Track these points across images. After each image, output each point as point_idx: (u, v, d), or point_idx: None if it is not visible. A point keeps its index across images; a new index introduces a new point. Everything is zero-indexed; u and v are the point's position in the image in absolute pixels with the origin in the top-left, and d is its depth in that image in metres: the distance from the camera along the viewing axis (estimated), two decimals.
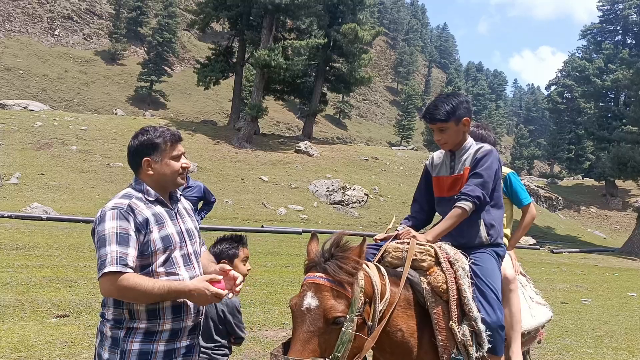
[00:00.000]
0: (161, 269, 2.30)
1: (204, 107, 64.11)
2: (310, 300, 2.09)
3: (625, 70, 33.60)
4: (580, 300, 11.41)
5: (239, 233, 3.33)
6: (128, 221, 2.23)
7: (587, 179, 54.62)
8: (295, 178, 28.92)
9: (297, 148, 34.02)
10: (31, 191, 20.89)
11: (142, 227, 2.27)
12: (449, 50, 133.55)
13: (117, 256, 2.14)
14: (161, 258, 2.31)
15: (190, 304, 2.37)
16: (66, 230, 13.78)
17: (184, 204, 2.62)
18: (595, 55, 54.57)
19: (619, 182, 46.31)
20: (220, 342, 3.11)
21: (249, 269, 3.26)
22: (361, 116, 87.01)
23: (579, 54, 59.38)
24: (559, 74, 65.43)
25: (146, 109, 59.26)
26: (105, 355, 2.25)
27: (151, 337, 2.26)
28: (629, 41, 53.59)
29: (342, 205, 26.27)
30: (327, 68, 39.69)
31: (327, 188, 27.12)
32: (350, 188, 27.39)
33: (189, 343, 2.40)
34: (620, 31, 54.75)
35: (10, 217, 15.23)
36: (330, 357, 2.05)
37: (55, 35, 66.77)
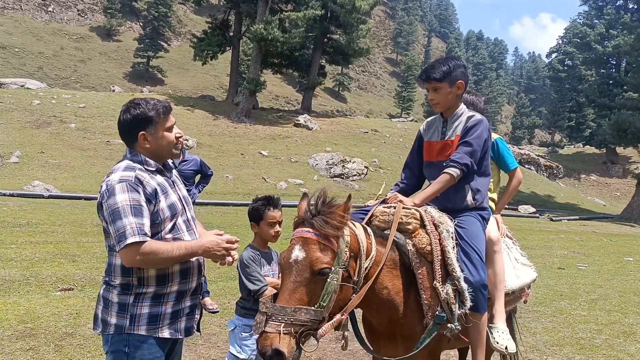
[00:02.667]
0: (169, 236, 2.39)
1: (202, 82, 63.68)
2: (297, 253, 2.20)
3: (626, 36, 33.19)
4: (577, 266, 11.59)
5: (273, 195, 3.42)
6: (138, 192, 2.29)
7: (588, 147, 54.52)
8: (294, 152, 28.94)
9: (296, 122, 33.93)
10: (32, 170, 20.97)
11: (152, 197, 2.34)
12: (448, 19, 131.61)
13: (136, 227, 2.20)
14: (168, 225, 2.39)
15: (195, 266, 2.48)
16: (68, 207, 13.92)
17: (175, 172, 2.69)
18: (596, 21, 53.79)
19: (619, 149, 46.29)
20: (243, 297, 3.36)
21: (277, 232, 3.34)
22: (360, 88, 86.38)
23: (580, 20, 58.51)
24: (560, 41, 64.62)
25: (144, 85, 58.90)
26: (113, 320, 2.33)
27: (159, 300, 2.36)
28: (630, 5, 52.60)
29: (342, 178, 26.35)
30: (325, 40, 39.20)
31: (327, 161, 27.16)
32: (350, 161, 27.42)
33: (192, 303, 2.51)
34: None
35: (12, 195, 15.36)
36: (316, 306, 2.16)
37: (50, 11, 65.89)
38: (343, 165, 26.94)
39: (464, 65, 3.03)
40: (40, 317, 5.23)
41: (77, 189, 18.26)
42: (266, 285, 3.23)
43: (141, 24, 67.59)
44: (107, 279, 2.43)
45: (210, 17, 40.11)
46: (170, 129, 2.48)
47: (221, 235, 2.48)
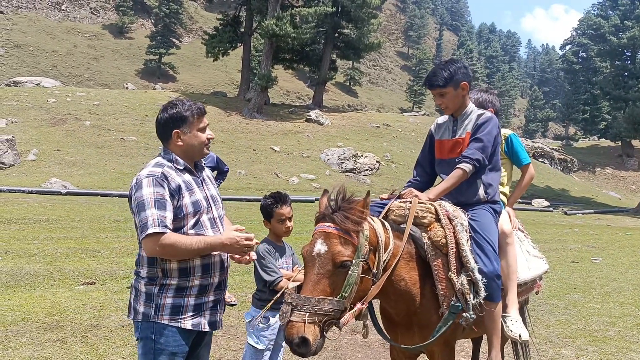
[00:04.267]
0: (191, 231, 2.52)
1: (214, 79, 64.01)
2: (320, 247, 2.32)
3: None
4: (591, 260, 11.57)
5: (281, 191, 3.56)
6: (163, 187, 2.43)
7: (603, 139, 53.93)
8: (306, 147, 29.06)
9: (307, 117, 34.03)
10: (48, 167, 21.34)
11: (175, 193, 2.47)
12: (460, 12, 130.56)
13: (157, 219, 2.35)
14: (191, 221, 2.53)
15: (217, 262, 2.60)
16: (85, 203, 14.19)
17: (207, 172, 2.83)
18: (611, 12, 52.97)
19: (635, 142, 45.80)
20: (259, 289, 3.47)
21: (287, 227, 3.46)
22: (372, 83, 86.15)
23: (594, 11, 57.71)
24: (574, 33, 63.81)
25: (156, 82, 59.36)
26: (141, 309, 2.49)
27: (182, 292, 2.50)
28: None
29: (354, 173, 26.42)
30: (336, 35, 39.17)
31: (339, 156, 27.24)
32: (362, 156, 27.47)
33: (215, 298, 2.64)
34: None
35: (31, 192, 15.69)
36: (338, 297, 2.29)
37: (63, 10, 66.61)
38: (355, 160, 27.00)
39: (464, 65, 3.14)
40: (66, 309, 5.42)
41: (92, 186, 18.58)
42: (281, 277, 3.36)
43: (153, 21, 68.02)
44: (137, 269, 2.59)
45: (222, 13, 40.29)
46: (203, 130, 2.63)
47: (242, 230, 2.60)
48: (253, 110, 33.45)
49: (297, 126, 32.69)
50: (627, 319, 6.64)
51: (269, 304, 2.97)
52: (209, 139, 2.67)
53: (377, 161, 27.68)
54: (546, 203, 26.84)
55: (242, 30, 38.09)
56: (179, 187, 2.50)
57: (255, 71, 39.77)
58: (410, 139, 34.67)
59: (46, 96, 29.68)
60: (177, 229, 2.48)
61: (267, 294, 3.38)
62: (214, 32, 37.77)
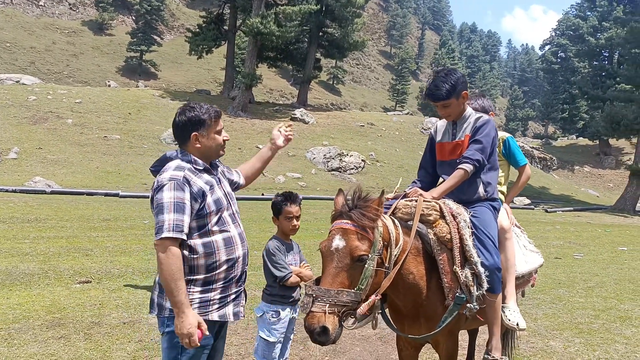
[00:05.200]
0: (215, 227, 2.62)
1: (196, 76, 63.56)
2: (338, 242, 2.46)
3: (619, 29, 33.52)
4: (573, 256, 11.91)
5: (292, 192, 3.67)
6: (184, 191, 2.50)
7: (581, 138, 55.01)
8: (292, 146, 29.07)
9: (292, 116, 34.09)
10: (30, 165, 21.06)
11: (198, 196, 2.55)
12: (442, 12, 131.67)
13: (173, 224, 2.43)
14: (214, 218, 2.63)
15: (240, 256, 2.70)
16: (72, 202, 14.09)
17: (221, 169, 2.93)
18: (589, 13, 54.06)
19: (612, 141, 46.78)
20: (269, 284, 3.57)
21: (294, 226, 3.57)
22: (355, 81, 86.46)
23: (573, 12, 58.80)
24: (553, 34, 64.96)
25: (137, 79, 58.74)
26: (168, 304, 2.53)
27: (209, 287, 2.59)
28: None
29: (340, 171, 26.62)
30: (320, 33, 39.29)
31: (325, 155, 27.40)
32: (347, 155, 27.68)
33: (237, 289, 2.75)
34: None
35: (14, 191, 15.52)
36: (355, 289, 2.43)
37: (41, 5, 65.45)
38: (340, 159, 27.19)
39: (462, 75, 3.31)
40: (66, 307, 5.45)
41: (76, 185, 18.42)
42: (291, 273, 3.48)
43: (133, 17, 67.24)
44: None
45: (205, 11, 40.10)
46: (219, 132, 2.74)
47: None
48: (237, 108, 33.39)
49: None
50: (610, 312, 6.91)
51: None
52: (224, 141, 2.77)
53: (362, 160, 27.91)
54: (527, 201, 27.35)
55: (226, 28, 37.96)
56: (201, 189, 2.58)
57: (238, 69, 39.67)
58: (395, 138, 34.99)
59: (26, 94, 29.22)
60: (201, 226, 2.57)
61: (277, 290, 3.50)
62: (198, 30, 37.57)
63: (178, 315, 2.43)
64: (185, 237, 2.49)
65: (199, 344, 2.48)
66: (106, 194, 16.86)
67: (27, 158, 21.80)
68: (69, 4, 68.33)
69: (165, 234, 2.41)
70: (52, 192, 16.22)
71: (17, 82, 35.04)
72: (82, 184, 18.78)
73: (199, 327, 2.47)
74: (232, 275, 2.69)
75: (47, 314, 5.23)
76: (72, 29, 64.05)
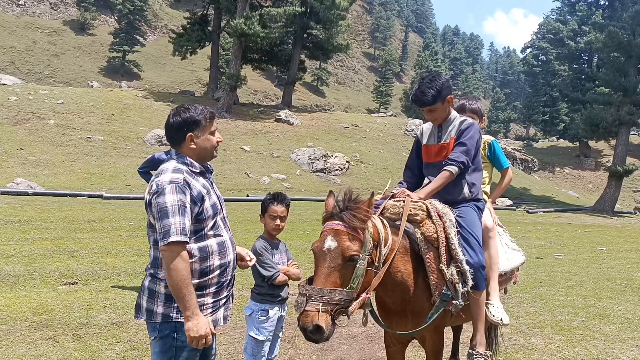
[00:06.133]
0: (211, 232, 2.63)
1: (179, 77, 63.20)
2: (330, 243, 2.54)
3: (597, 33, 34.19)
4: (554, 255, 12.16)
5: (282, 192, 3.77)
6: (185, 194, 2.50)
7: (562, 140, 55.93)
8: (276, 147, 29.16)
9: (277, 117, 34.11)
10: (12, 167, 20.74)
11: (198, 200, 2.55)
12: (425, 15, 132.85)
13: (180, 227, 2.42)
14: (210, 223, 2.63)
15: (231, 261, 2.73)
16: (55, 204, 13.95)
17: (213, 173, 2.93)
18: (569, 17, 54.99)
19: (591, 143, 47.67)
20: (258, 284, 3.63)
21: (277, 225, 3.64)
22: (339, 83, 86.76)
23: (553, 15, 59.76)
24: (534, 37, 65.97)
25: (120, 80, 58.19)
26: (160, 309, 2.54)
27: (202, 292, 2.58)
28: (601, 2, 54.02)
29: (325, 173, 26.70)
30: (305, 35, 39.37)
31: (309, 156, 27.46)
32: (331, 156, 27.78)
33: (227, 294, 2.77)
34: None
35: None
36: (347, 288, 2.51)
37: (21, 4, 64.50)
38: (325, 160, 27.28)
39: (447, 79, 3.42)
40: (53, 309, 5.44)
41: (59, 186, 18.20)
42: (279, 272, 3.56)
43: (116, 17, 66.58)
44: (152, 271, 2.62)
45: (189, 12, 39.90)
46: (213, 133, 2.74)
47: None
48: (222, 109, 33.28)
49: (267, 126, 32.73)
50: (590, 309, 7.10)
51: None
52: (218, 142, 2.78)
53: (346, 161, 28.04)
54: (509, 202, 27.74)
55: (210, 29, 37.83)
56: (200, 192, 2.58)
57: (222, 70, 39.54)
58: (379, 139, 35.21)
59: (7, 94, 28.78)
60: (198, 230, 2.57)
61: (265, 289, 3.57)
62: (182, 31, 37.39)
63: (191, 319, 2.43)
64: (189, 241, 2.48)
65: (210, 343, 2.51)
66: (90, 195, 16.70)
67: (8, 159, 21.46)
68: (50, 3, 67.46)
69: (173, 238, 2.39)
70: (35, 194, 16.01)
71: None
72: (65, 185, 18.56)
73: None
74: (224, 279, 2.70)
75: (34, 315, 5.21)
76: (53, 28, 63.23)
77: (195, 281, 2.56)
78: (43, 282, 6.52)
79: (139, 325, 5.08)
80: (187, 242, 2.47)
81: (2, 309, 5.34)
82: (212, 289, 2.64)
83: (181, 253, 2.43)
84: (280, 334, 3.76)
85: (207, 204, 2.61)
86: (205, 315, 2.59)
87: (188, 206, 2.51)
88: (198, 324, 2.43)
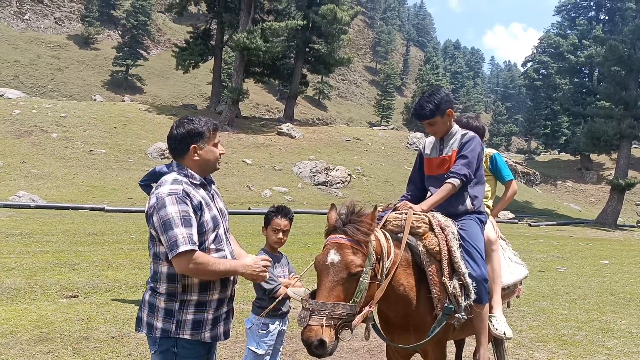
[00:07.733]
0: (212, 246, 2.59)
1: (182, 91, 63.51)
2: (333, 256, 2.52)
3: (598, 47, 34.40)
4: (556, 269, 12.10)
5: (286, 206, 3.74)
6: (187, 204, 2.46)
7: (563, 153, 55.95)
8: (278, 160, 29.21)
9: (279, 130, 34.22)
10: (14, 180, 20.81)
11: (198, 210, 2.52)
12: (426, 29, 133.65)
13: (187, 237, 2.38)
14: (211, 236, 2.59)
15: (233, 276, 2.70)
16: (57, 217, 13.96)
17: (214, 186, 2.90)
18: (569, 32, 55.31)
19: (593, 156, 47.66)
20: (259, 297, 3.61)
21: (279, 238, 3.62)
22: (341, 97, 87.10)
23: (553, 30, 60.12)
24: (535, 51, 66.29)
25: (123, 93, 58.51)
26: (159, 324, 2.51)
27: (202, 308, 2.56)
28: (602, 17, 54.43)
29: (326, 185, 26.71)
30: (307, 49, 39.65)
31: (311, 169, 27.50)
32: (333, 169, 27.81)
33: (227, 309, 2.74)
34: (594, 7, 55.48)
35: None
36: (350, 302, 2.49)
37: (26, 19, 65.12)
38: (327, 173, 27.30)
39: (447, 93, 3.43)
40: (53, 322, 5.41)
41: (61, 199, 18.24)
42: (280, 285, 3.53)
43: (120, 32, 67.21)
44: (152, 285, 2.59)
45: (192, 26, 40.29)
46: (216, 145, 2.72)
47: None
48: (224, 123, 33.41)
49: (268, 139, 32.83)
50: (593, 324, 7.04)
51: (265, 310, 3.14)
52: (221, 154, 2.76)
53: (348, 174, 28.06)
54: (511, 215, 27.68)
55: (213, 43, 38.14)
56: (200, 203, 2.55)
57: (225, 84, 39.76)
58: (380, 153, 35.27)
59: (10, 107, 28.97)
60: (200, 243, 2.52)
61: (266, 302, 3.53)
62: (185, 45, 37.71)
63: (238, 270, 2.59)
64: (197, 249, 2.44)
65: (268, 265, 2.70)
66: (91, 209, 16.73)
67: (11, 172, 21.54)
68: (55, 18, 68.10)
69: (182, 248, 2.36)
70: (37, 207, 16.04)
71: (1, 95, 34.74)
72: (67, 198, 18.60)
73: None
74: (225, 295, 2.68)
75: (34, 328, 5.19)
76: (57, 42, 63.77)
77: (195, 297, 2.54)
78: (44, 295, 6.50)
79: (139, 339, 5.05)
80: (196, 251, 2.42)
81: (2, 322, 5.31)
82: (213, 306, 2.61)
83: (194, 258, 2.40)
84: (281, 348, 3.73)
85: (207, 216, 2.58)
86: (203, 332, 2.57)
87: (193, 216, 2.48)
88: (245, 270, 2.60)
